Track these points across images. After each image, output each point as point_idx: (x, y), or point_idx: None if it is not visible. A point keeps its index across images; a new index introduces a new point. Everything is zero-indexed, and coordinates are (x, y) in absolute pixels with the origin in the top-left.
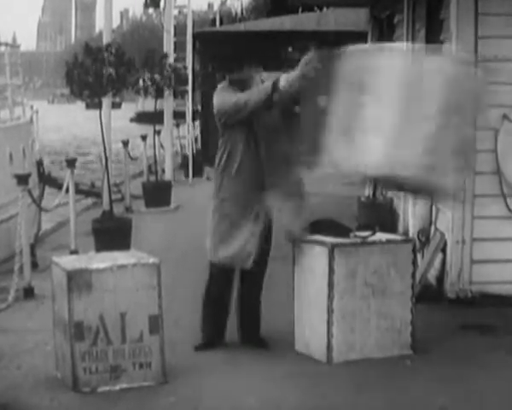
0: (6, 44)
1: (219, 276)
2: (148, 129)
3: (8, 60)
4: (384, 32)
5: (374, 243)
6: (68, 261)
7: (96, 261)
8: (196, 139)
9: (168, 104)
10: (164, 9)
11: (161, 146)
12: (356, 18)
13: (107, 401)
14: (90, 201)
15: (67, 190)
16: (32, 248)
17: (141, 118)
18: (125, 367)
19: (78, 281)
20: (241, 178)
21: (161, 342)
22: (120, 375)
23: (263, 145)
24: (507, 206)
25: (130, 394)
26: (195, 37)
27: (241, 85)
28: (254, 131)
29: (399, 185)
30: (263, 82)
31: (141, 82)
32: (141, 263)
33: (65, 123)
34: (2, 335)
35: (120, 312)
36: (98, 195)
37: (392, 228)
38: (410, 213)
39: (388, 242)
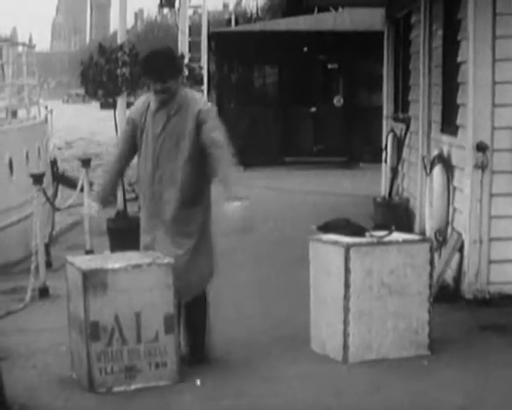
0: (23, 44)
1: None
2: None
3: (25, 60)
4: (400, 32)
5: (390, 242)
6: (83, 261)
7: (110, 261)
8: None
9: None
10: (179, 9)
11: None
12: (372, 18)
13: (121, 400)
14: None
15: (82, 190)
16: (47, 247)
17: None
18: (141, 367)
19: (93, 281)
20: None
21: (176, 341)
22: (136, 375)
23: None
24: None
25: (144, 393)
26: (210, 37)
27: (166, 97)
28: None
29: None
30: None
31: None
32: (156, 263)
33: (79, 123)
34: (19, 334)
35: (135, 312)
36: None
37: (408, 228)
38: (427, 213)
39: (405, 242)
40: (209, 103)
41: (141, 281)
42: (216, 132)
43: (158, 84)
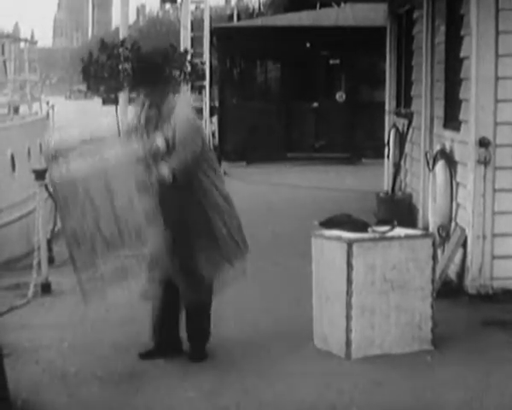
0: (25, 41)
1: None
2: None
3: (27, 56)
4: (403, 27)
5: (393, 238)
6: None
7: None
8: (214, 135)
9: None
10: (181, 5)
11: None
12: (374, 13)
13: (125, 396)
14: None
15: None
16: (49, 243)
17: None
18: (130, 265)
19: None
20: None
21: (160, 232)
22: (126, 274)
23: None
24: None
25: (148, 389)
26: (213, 32)
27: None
28: None
29: None
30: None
31: None
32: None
33: (81, 119)
34: (22, 330)
35: (113, 211)
36: None
37: (411, 224)
38: (430, 208)
39: (407, 237)
40: (193, 119)
41: (115, 178)
42: (180, 144)
43: (146, 98)
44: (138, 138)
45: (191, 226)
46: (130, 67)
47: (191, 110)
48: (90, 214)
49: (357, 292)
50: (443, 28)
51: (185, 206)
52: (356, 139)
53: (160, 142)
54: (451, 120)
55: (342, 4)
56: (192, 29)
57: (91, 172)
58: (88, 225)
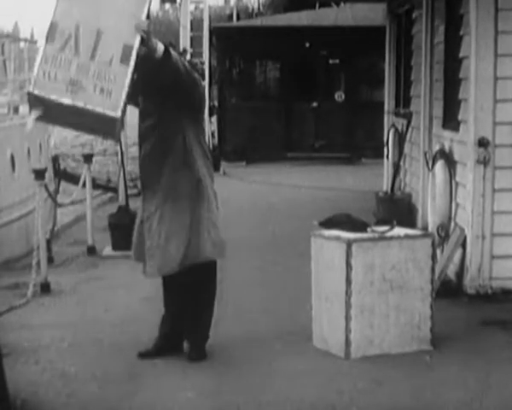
0: (25, 40)
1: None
2: None
3: (27, 55)
4: (402, 27)
5: (392, 237)
6: None
7: None
8: (213, 134)
9: None
10: (180, 5)
11: None
12: (373, 13)
13: (125, 396)
14: (106, 196)
15: (84, 185)
16: (48, 243)
17: None
18: (85, 86)
19: None
20: None
21: (128, 75)
22: (78, 91)
23: None
24: None
25: (147, 389)
26: (212, 32)
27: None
28: None
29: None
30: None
31: None
32: None
33: None
34: (21, 330)
35: (98, 28)
36: (114, 190)
37: (410, 223)
38: (429, 208)
39: (407, 236)
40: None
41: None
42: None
43: None
44: None
45: (172, 192)
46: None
47: None
48: (76, 17)
49: (357, 292)
50: (442, 28)
51: (170, 170)
52: (355, 139)
53: (160, 45)
54: (451, 119)
55: (341, 4)
56: (191, 29)
57: None
58: (70, 26)
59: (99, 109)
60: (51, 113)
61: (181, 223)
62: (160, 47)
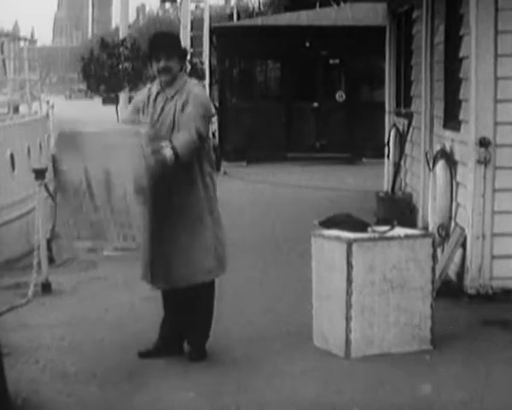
0: (25, 39)
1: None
2: None
3: (26, 55)
4: (402, 27)
5: (392, 237)
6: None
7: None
8: (214, 134)
9: None
10: (181, 4)
11: None
12: (374, 13)
13: (125, 396)
14: None
15: None
16: (49, 243)
17: None
18: (107, 225)
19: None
20: None
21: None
22: (100, 233)
23: None
24: None
25: (147, 389)
26: (212, 31)
27: (168, 78)
28: None
29: None
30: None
31: None
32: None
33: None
34: (22, 330)
35: (105, 169)
36: None
37: (411, 223)
38: (430, 208)
39: (407, 236)
40: (204, 93)
41: (113, 141)
42: (188, 116)
43: (161, 62)
44: (146, 116)
45: (184, 213)
46: (150, 38)
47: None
48: (83, 165)
49: (357, 292)
50: (442, 28)
51: (183, 191)
52: (356, 139)
53: (167, 152)
54: (451, 119)
55: (342, 4)
56: (192, 28)
57: (94, 132)
58: (79, 176)
59: (122, 243)
60: None
61: (188, 241)
62: (168, 155)
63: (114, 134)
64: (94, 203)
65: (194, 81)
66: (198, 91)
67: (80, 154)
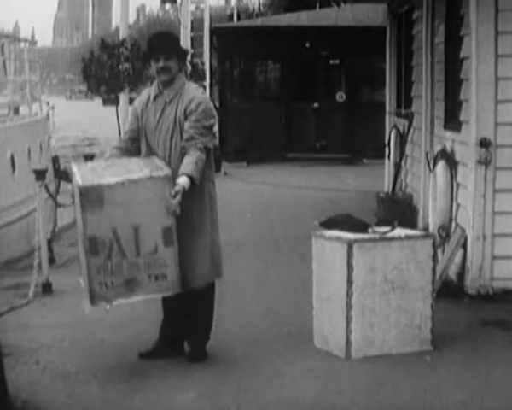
0: (25, 40)
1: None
2: None
3: (26, 56)
4: (403, 27)
5: (393, 238)
6: (84, 173)
7: (108, 174)
8: (214, 135)
9: None
10: (181, 5)
11: None
12: (374, 13)
13: (125, 396)
14: None
15: None
16: (49, 243)
17: None
18: (141, 280)
19: (89, 197)
20: None
21: (176, 253)
22: (135, 288)
23: None
24: None
25: (147, 389)
26: (212, 32)
27: (167, 78)
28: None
29: None
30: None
31: None
32: (153, 177)
33: (82, 120)
34: (22, 330)
35: (133, 225)
36: None
37: (411, 224)
38: (431, 208)
39: (408, 237)
40: (206, 98)
41: (138, 195)
42: (194, 128)
43: (160, 62)
44: (146, 119)
45: (187, 219)
46: (150, 37)
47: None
48: (110, 223)
49: (358, 292)
50: (443, 28)
51: (187, 198)
52: (356, 140)
53: (184, 182)
54: (452, 120)
55: (342, 4)
56: (192, 29)
57: (117, 182)
58: (108, 234)
59: (158, 294)
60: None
61: (189, 246)
62: (186, 183)
63: (142, 185)
64: (127, 260)
65: (194, 85)
66: (201, 98)
67: (108, 215)
